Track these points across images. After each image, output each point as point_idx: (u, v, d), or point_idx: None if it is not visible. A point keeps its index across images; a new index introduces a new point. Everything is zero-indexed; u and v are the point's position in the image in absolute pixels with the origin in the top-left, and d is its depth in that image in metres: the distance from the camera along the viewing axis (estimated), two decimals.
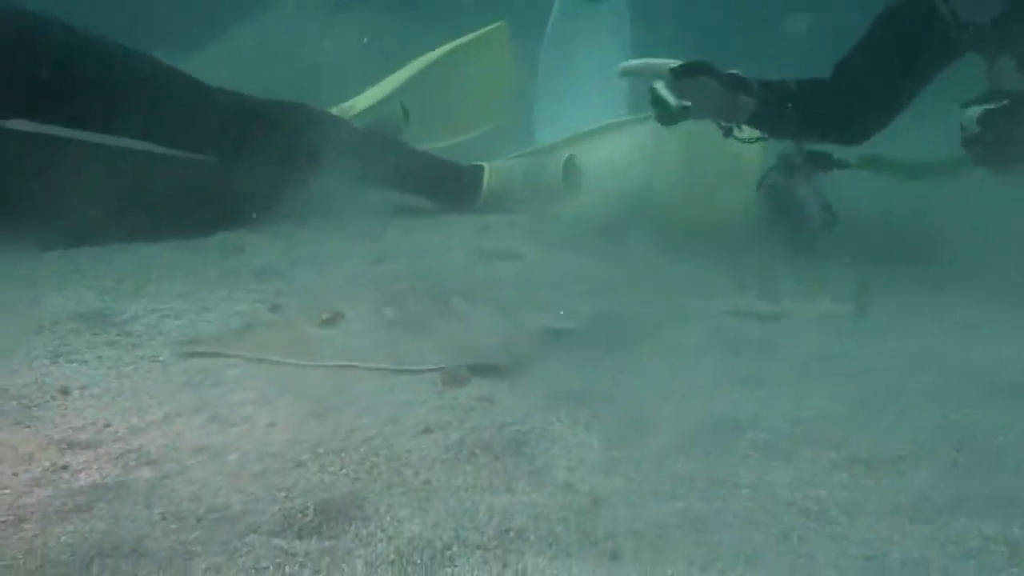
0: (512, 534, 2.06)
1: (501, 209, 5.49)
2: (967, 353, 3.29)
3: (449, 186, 5.50)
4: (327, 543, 2.01)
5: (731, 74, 4.30)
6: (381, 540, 2.02)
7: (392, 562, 1.94)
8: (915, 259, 4.54)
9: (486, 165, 5.52)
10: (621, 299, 3.76)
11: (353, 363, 3.01)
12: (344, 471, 2.35)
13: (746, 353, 3.28)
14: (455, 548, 2.00)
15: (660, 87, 4.19)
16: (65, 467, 2.31)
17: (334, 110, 5.75)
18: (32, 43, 4.40)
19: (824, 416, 2.73)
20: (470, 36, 6.64)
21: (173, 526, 2.04)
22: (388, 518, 2.11)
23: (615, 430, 2.63)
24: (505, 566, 1.95)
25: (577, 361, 3.13)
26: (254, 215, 4.83)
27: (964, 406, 2.79)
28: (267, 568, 1.90)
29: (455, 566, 1.94)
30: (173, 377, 2.89)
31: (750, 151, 5.01)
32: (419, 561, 1.95)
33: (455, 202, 5.49)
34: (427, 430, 2.58)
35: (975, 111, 4.11)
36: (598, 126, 6.01)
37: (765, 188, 4.99)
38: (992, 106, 4.09)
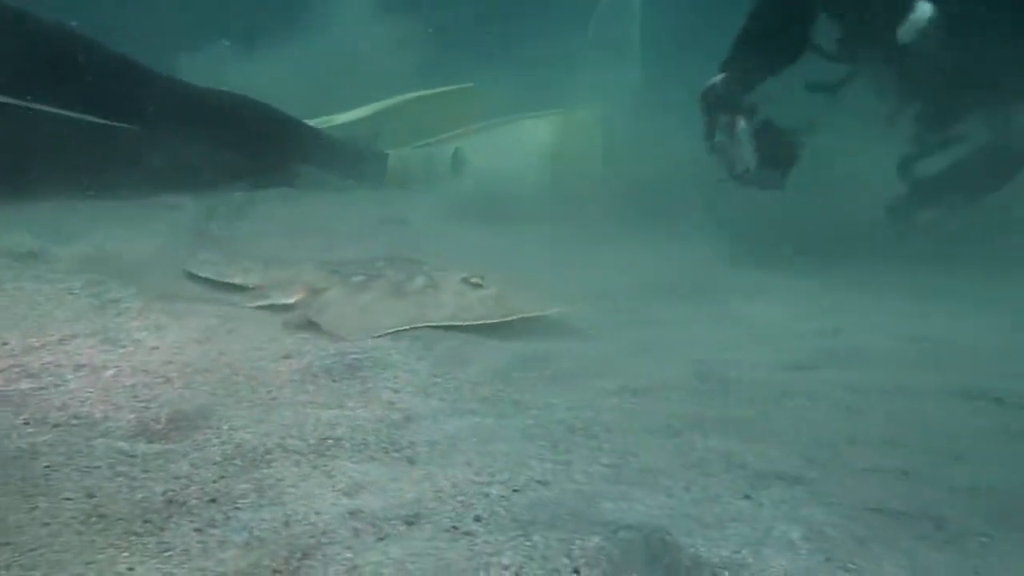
0: (330, 442, 1.89)
1: (403, 187, 5.34)
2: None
3: (362, 167, 5.34)
4: (169, 447, 1.81)
5: None
6: (215, 445, 1.82)
7: (216, 463, 1.75)
8: None
9: (390, 152, 5.34)
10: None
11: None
12: (206, 387, 2.14)
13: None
14: (275, 453, 1.81)
15: None
16: None
17: (315, 121, 5.54)
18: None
19: (609, 355, 2.60)
20: (442, 88, 6.61)
21: (30, 430, 1.82)
22: (225, 427, 1.91)
23: (443, 361, 2.46)
24: (314, 468, 1.77)
25: None
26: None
27: (712, 350, 2.72)
28: (99, 468, 1.68)
29: (271, 467, 1.75)
30: (79, 305, 2.62)
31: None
32: (240, 463, 1.76)
33: (365, 180, 5.32)
34: (286, 356, 2.38)
35: None
36: (483, 124, 5.88)
37: None
38: None
